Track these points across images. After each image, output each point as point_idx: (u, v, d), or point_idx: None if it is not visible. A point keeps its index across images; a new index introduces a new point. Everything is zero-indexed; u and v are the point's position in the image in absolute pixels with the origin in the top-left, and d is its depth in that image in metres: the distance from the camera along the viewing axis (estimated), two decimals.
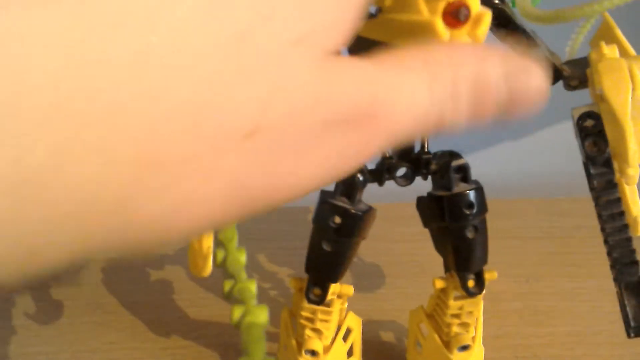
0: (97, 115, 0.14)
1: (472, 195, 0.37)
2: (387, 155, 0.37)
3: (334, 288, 0.39)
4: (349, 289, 0.39)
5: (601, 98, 0.32)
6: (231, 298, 0.25)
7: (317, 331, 0.40)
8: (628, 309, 0.32)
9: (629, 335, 0.33)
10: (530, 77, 0.21)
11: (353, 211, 0.36)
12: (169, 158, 0.15)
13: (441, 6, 0.25)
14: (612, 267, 0.33)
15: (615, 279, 0.33)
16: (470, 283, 0.39)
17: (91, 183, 0.15)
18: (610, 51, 0.33)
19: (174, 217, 0.16)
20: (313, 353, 0.40)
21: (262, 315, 0.24)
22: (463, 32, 0.26)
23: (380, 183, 0.38)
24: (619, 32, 0.35)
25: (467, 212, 0.36)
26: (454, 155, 0.37)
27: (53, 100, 0.13)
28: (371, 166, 0.38)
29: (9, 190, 0.14)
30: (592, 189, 0.33)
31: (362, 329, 0.42)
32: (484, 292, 0.39)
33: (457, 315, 0.40)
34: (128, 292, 0.52)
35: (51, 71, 0.13)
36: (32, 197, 0.14)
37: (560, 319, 0.50)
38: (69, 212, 0.15)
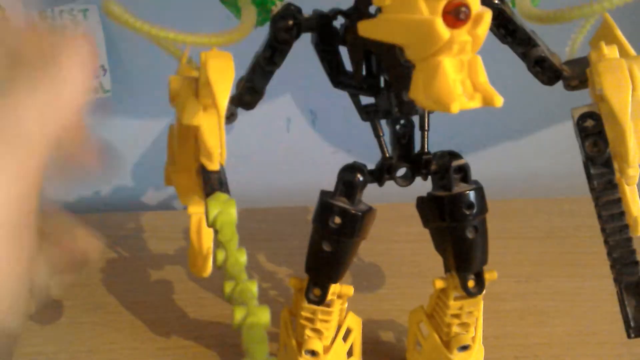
0: None
1: (472, 195, 0.36)
2: (387, 155, 0.37)
3: (334, 288, 0.39)
4: (349, 289, 0.39)
5: (601, 98, 0.32)
6: (232, 300, 0.25)
7: (317, 331, 0.40)
8: (628, 309, 0.32)
9: (629, 336, 0.33)
10: None
11: (353, 211, 0.36)
12: None
13: (441, 5, 0.25)
14: (612, 267, 0.33)
15: (616, 279, 0.32)
16: (471, 283, 0.39)
17: None
18: (610, 51, 0.33)
19: None
20: (313, 353, 0.40)
21: (263, 316, 0.24)
22: (463, 32, 0.26)
23: (380, 183, 0.38)
24: (619, 32, 0.35)
25: (467, 213, 0.36)
26: (454, 155, 0.37)
27: None
28: (371, 167, 0.38)
29: None
30: (592, 189, 0.33)
31: (362, 329, 0.42)
32: (484, 292, 0.39)
33: (457, 316, 0.40)
34: (128, 292, 0.52)
35: None
36: None
37: (560, 319, 0.50)
38: None
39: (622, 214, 0.33)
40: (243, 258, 0.28)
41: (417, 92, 0.27)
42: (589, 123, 0.33)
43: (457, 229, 0.37)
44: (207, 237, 0.42)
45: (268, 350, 0.22)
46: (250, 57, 0.36)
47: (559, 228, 0.60)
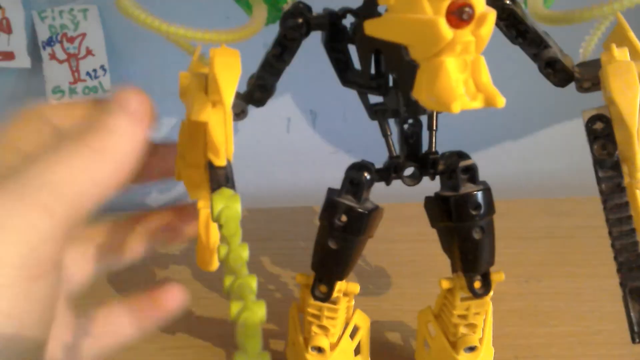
0: None
1: (479, 196, 0.36)
2: (395, 154, 0.37)
3: (339, 286, 0.39)
4: (355, 287, 0.40)
5: (610, 101, 0.32)
6: (230, 294, 0.26)
7: (323, 328, 0.40)
8: (632, 314, 0.32)
9: (633, 341, 0.32)
10: None
11: (359, 209, 0.36)
12: None
13: (445, 5, 0.25)
14: (618, 270, 0.32)
15: (621, 284, 0.32)
16: (477, 284, 0.39)
17: None
18: (620, 54, 0.32)
19: None
20: (319, 350, 0.41)
21: (259, 311, 0.24)
22: (466, 32, 0.26)
23: (388, 182, 0.38)
24: (631, 34, 0.34)
25: (474, 213, 0.36)
26: (462, 155, 0.37)
27: None
28: (379, 165, 0.38)
29: None
30: (600, 192, 0.33)
31: (370, 330, 0.42)
32: (491, 293, 0.39)
33: (463, 316, 0.40)
34: (131, 292, 0.52)
35: None
36: None
37: (560, 319, 0.49)
38: None
39: (629, 217, 0.32)
40: (245, 253, 0.29)
41: (420, 92, 0.27)
42: (598, 125, 0.33)
43: (463, 229, 0.37)
44: (215, 232, 0.42)
45: (261, 345, 0.22)
46: (259, 55, 0.37)
47: (559, 228, 0.59)
